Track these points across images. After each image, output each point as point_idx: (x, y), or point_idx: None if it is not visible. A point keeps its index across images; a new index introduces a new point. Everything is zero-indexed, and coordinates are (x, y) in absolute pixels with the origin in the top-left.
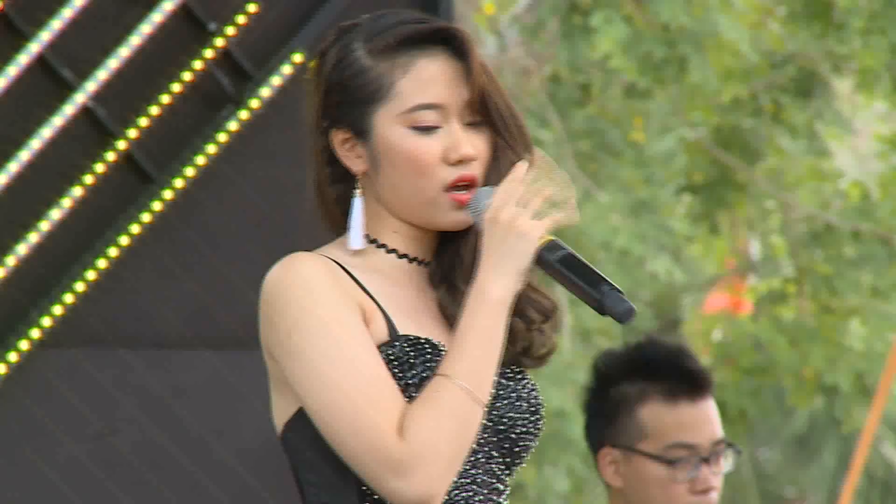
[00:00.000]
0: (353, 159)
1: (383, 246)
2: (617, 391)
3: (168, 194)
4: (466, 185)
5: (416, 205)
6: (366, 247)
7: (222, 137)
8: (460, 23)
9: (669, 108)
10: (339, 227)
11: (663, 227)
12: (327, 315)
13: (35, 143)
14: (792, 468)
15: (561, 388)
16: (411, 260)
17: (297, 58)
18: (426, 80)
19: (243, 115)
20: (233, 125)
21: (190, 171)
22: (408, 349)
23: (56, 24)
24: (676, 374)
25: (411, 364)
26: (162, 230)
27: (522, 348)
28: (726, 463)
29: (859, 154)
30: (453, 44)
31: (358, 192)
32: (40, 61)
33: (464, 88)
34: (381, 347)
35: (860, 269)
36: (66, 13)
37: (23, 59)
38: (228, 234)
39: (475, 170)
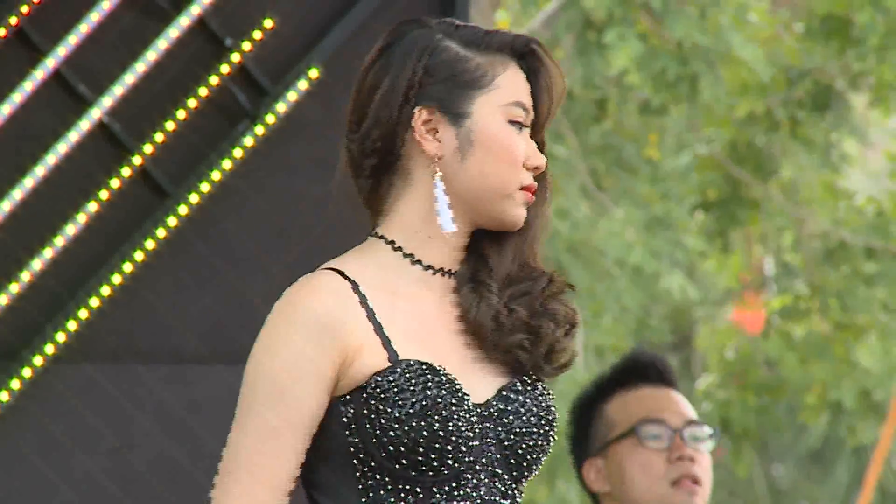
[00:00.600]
0: (431, 141)
1: (409, 256)
2: (586, 410)
3: (183, 209)
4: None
5: (496, 195)
6: (363, 247)
7: (238, 152)
8: None
9: (684, 124)
10: (375, 222)
11: (678, 244)
12: (276, 374)
13: (50, 159)
14: (806, 484)
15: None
16: (436, 271)
17: (314, 73)
18: (520, 82)
19: (259, 130)
20: (248, 140)
21: (205, 187)
22: (408, 375)
23: (72, 39)
24: (631, 369)
25: (412, 391)
26: (177, 245)
27: (545, 351)
28: (707, 444)
29: (872, 171)
30: (533, 57)
31: (438, 175)
32: (56, 76)
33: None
34: (382, 374)
35: (874, 286)
36: (83, 28)
37: (39, 74)
38: (244, 249)
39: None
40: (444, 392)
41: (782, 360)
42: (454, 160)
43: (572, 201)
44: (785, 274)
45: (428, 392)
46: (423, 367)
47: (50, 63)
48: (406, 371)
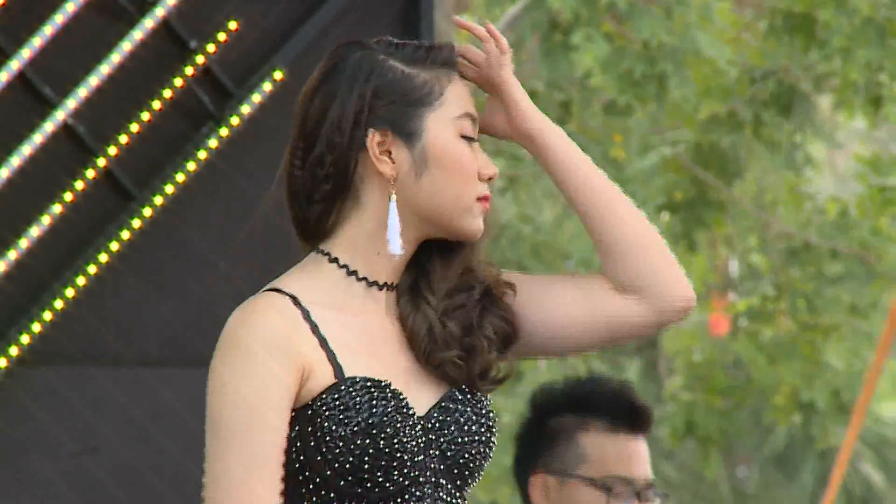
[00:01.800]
0: (386, 163)
1: (353, 273)
2: (556, 421)
3: (148, 212)
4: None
5: (455, 210)
6: (306, 264)
7: (202, 154)
8: (442, 39)
9: (649, 125)
10: (313, 244)
11: None
12: (248, 399)
13: (15, 161)
14: (770, 487)
15: None
16: (381, 286)
17: (278, 75)
18: (465, 95)
19: (223, 132)
20: (213, 142)
21: (170, 189)
22: (353, 393)
23: (36, 41)
24: (620, 408)
25: (357, 409)
26: (142, 248)
27: (481, 370)
28: None
29: (838, 173)
30: (461, 70)
31: (394, 196)
32: (20, 78)
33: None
34: (328, 391)
35: (839, 287)
36: (47, 30)
37: (3, 76)
38: (209, 251)
39: (492, 189)
40: (389, 409)
41: (751, 361)
42: (409, 180)
43: (536, 203)
44: (750, 276)
45: (374, 410)
46: (369, 384)
47: (14, 65)
48: (352, 389)
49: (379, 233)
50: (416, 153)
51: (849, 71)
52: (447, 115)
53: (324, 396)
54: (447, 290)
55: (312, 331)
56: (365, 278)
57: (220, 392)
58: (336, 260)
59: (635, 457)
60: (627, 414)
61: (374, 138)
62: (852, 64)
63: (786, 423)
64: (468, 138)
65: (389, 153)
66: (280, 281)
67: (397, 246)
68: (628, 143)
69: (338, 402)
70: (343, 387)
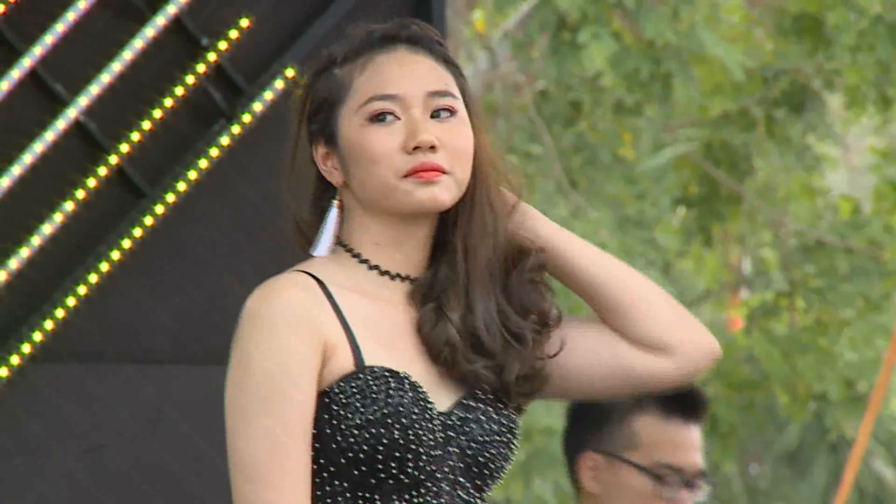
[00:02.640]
0: (332, 172)
1: (365, 261)
2: (609, 401)
3: (160, 209)
4: (429, 172)
5: (381, 196)
6: (329, 254)
7: (214, 152)
8: (451, 38)
9: (659, 123)
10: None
11: (651, 243)
12: (271, 372)
13: (27, 158)
14: (783, 484)
15: (548, 406)
16: (393, 276)
17: (290, 72)
18: (382, 73)
19: (235, 129)
20: (225, 140)
21: (182, 186)
22: (371, 382)
23: (48, 38)
24: (676, 393)
25: (374, 398)
26: (154, 245)
27: (505, 382)
28: (701, 494)
29: (852, 169)
30: (413, 37)
31: (335, 202)
32: (32, 76)
33: (427, 79)
34: (346, 379)
35: (851, 282)
36: (59, 28)
37: (15, 73)
38: (220, 249)
39: (441, 159)
40: (406, 400)
41: (764, 356)
42: (349, 180)
43: (547, 201)
44: (762, 272)
45: (390, 400)
46: (388, 374)
47: (26, 63)
48: (370, 377)
49: (364, 224)
50: (341, 154)
51: (858, 70)
52: (354, 106)
53: (342, 384)
54: (475, 290)
55: (335, 311)
56: (377, 267)
57: (242, 367)
58: (351, 249)
59: (688, 444)
60: (683, 400)
61: (317, 153)
62: (861, 63)
63: (801, 416)
64: (382, 115)
65: (333, 162)
66: (304, 265)
67: (322, 248)
68: (638, 141)
69: (355, 390)
70: (362, 375)
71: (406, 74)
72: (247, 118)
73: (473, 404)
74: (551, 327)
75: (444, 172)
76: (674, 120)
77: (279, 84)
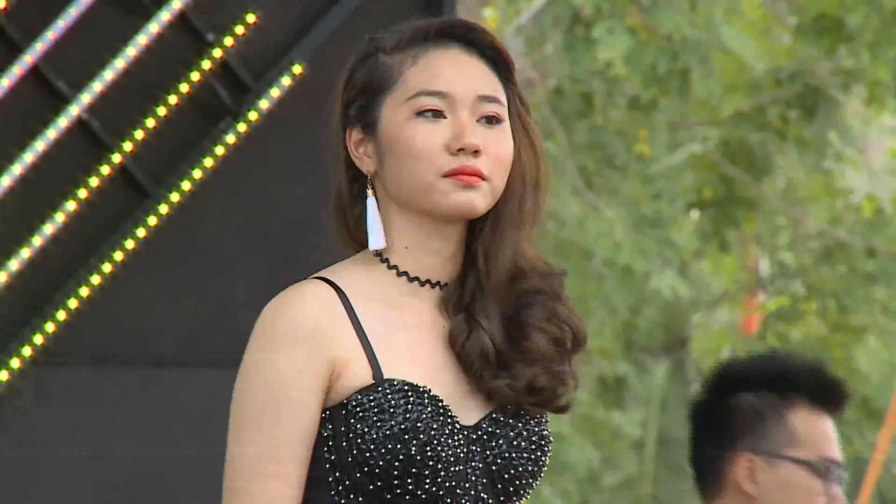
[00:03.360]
0: (364, 160)
1: (394, 267)
2: (755, 400)
3: (164, 209)
4: (470, 176)
5: (417, 193)
6: (386, 246)
7: (220, 150)
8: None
9: (675, 121)
10: (359, 245)
11: (667, 243)
12: (267, 387)
13: (28, 157)
14: None
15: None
16: (423, 283)
17: (297, 69)
18: (434, 68)
19: (241, 127)
20: (231, 138)
21: (186, 185)
22: (390, 395)
23: (50, 34)
24: (823, 386)
25: (392, 412)
26: (158, 245)
27: (537, 398)
28: (842, 487)
29: (872, 170)
30: (470, 38)
31: (370, 192)
32: (34, 72)
33: (479, 82)
34: (364, 392)
35: (873, 285)
36: (61, 23)
37: (16, 70)
38: (226, 250)
39: (483, 165)
40: (425, 415)
41: None
42: (383, 171)
43: (562, 200)
44: (781, 274)
45: (409, 414)
46: (407, 387)
47: (28, 59)
48: (388, 391)
49: (394, 227)
50: (378, 143)
51: (877, 67)
52: (401, 97)
53: (359, 396)
54: (506, 301)
55: (354, 325)
56: (406, 273)
57: (243, 377)
58: (379, 255)
59: (836, 437)
60: (829, 392)
61: (350, 137)
62: (881, 60)
63: None
64: (429, 112)
65: (367, 149)
66: (328, 270)
67: (376, 241)
68: (654, 138)
69: (373, 403)
70: (380, 388)
71: (459, 74)
72: (253, 116)
73: (504, 419)
74: (574, 346)
75: (483, 179)
76: (690, 118)
77: (286, 81)
